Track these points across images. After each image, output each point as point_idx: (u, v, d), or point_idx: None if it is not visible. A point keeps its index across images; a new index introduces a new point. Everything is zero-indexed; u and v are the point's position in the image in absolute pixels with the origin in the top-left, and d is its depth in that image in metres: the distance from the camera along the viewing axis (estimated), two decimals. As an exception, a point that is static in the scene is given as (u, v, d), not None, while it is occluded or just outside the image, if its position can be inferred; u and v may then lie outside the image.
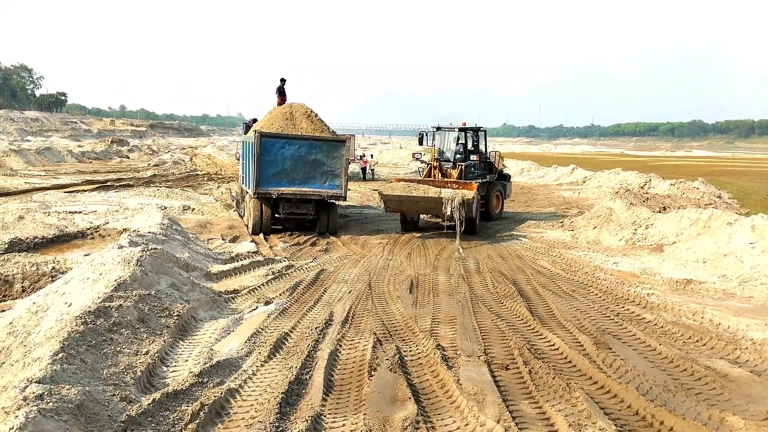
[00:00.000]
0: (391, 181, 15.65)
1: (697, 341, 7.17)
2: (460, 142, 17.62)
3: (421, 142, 18.16)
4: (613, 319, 8.03)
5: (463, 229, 14.08)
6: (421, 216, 16.38)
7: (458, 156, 17.26)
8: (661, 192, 23.80)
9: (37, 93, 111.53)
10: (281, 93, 17.85)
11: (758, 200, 22.86)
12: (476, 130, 18.02)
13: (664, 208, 16.83)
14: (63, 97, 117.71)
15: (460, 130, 17.70)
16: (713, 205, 18.65)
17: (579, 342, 7.00)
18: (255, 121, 18.22)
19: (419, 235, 15.20)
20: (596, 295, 9.39)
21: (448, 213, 14.00)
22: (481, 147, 18.14)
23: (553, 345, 6.93)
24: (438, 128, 18.15)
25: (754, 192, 26.29)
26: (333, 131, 16.20)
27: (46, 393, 4.17)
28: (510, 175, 20.10)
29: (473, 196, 14.27)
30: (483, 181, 16.79)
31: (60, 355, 4.84)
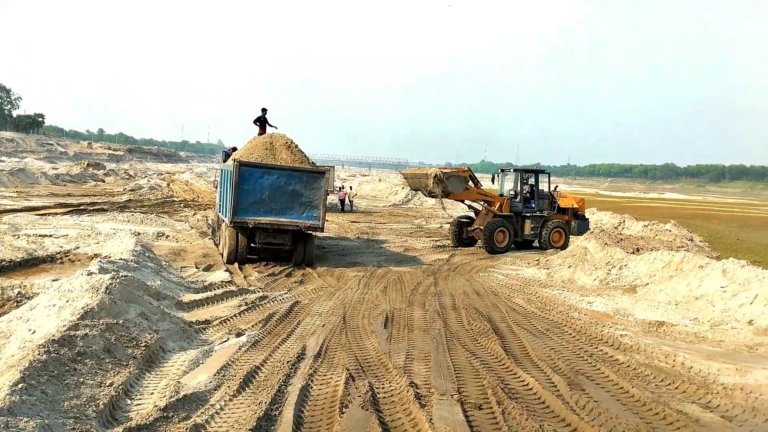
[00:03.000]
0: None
1: (669, 384, 7.19)
2: (523, 181, 21.08)
3: (493, 181, 22.33)
4: (586, 360, 8.02)
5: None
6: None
7: (510, 193, 21.10)
8: (634, 233, 24.11)
9: (14, 114, 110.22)
10: (262, 123, 17.87)
11: (728, 244, 23.33)
12: (536, 172, 21.56)
13: (638, 250, 17.04)
14: (40, 119, 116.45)
15: (515, 170, 21.81)
16: (685, 248, 18.93)
17: (552, 382, 6.97)
18: (235, 149, 18.18)
19: (396, 269, 15.16)
20: (570, 334, 9.40)
21: (431, 184, 18.46)
22: (542, 187, 21.36)
23: (527, 385, 6.89)
24: (502, 170, 22.54)
25: (724, 236, 26.85)
26: (313, 162, 16.23)
27: (2, 426, 4.00)
28: (583, 215, 22.32)
29: (447, 172, 18.88)
30: (533, 215, 20.62)
31: (20, 386, 4.66)
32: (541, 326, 9.82)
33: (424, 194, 20.24)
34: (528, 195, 20.96)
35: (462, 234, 20.44)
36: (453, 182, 18.82)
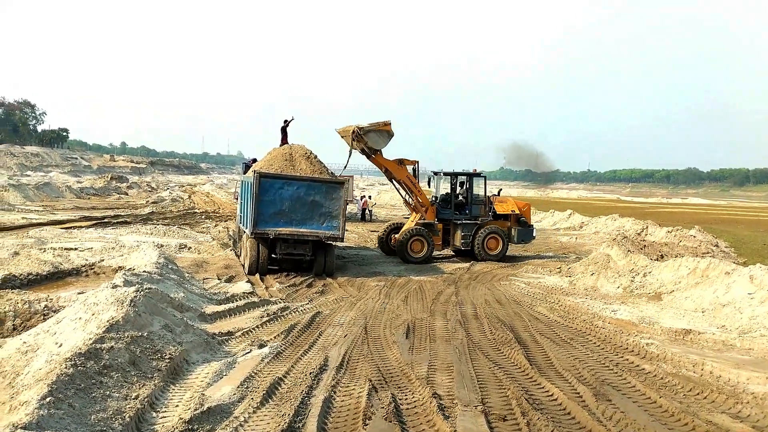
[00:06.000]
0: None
1: (698, 394, 7.05)
2: (454, 186, 19.69)
3: (429, 184, 20.43)
4: (612, 369, 7.91)
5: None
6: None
7: (435, 198, 19.84)
8: (658, 239, 23.81)
9: (39, 128, 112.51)
10: (284, 133, 18.06)
11: (755, 249, 22.86)
12: (470, 176, 19.66)
13: (662, 256, 16.82)
14: (64, 133, 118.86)
15: (446, 174, 20.01)
16: (710, 254, 18.65)
17: (578, 393, 6.88)
18: (255, 160, 18.35)
19: (416, 278, 15.12)
20: (595, 343, 9.28)
21: (350, 141, 17.58)
22: (479, 191, 19.61)
23: (552, 395, 6.80)
24: (435, 173, 20.66)
25: (750, 241, 26.32)
26: (332, 172, 16.32)
27: (31, 439, 4.05)
28: (526, 221, 20.14)
29: (365, 127, 17.46)
30: (464, 222, 19.01)
31: (48, 399, 4.72)
32: (565, 335, 9.71)
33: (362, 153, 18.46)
34: (464, 201, 19.45)
35: (390, 241, 19.16)
36: (372, 137, 17.60)
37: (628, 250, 16.34)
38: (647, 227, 26.98)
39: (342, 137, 18.49)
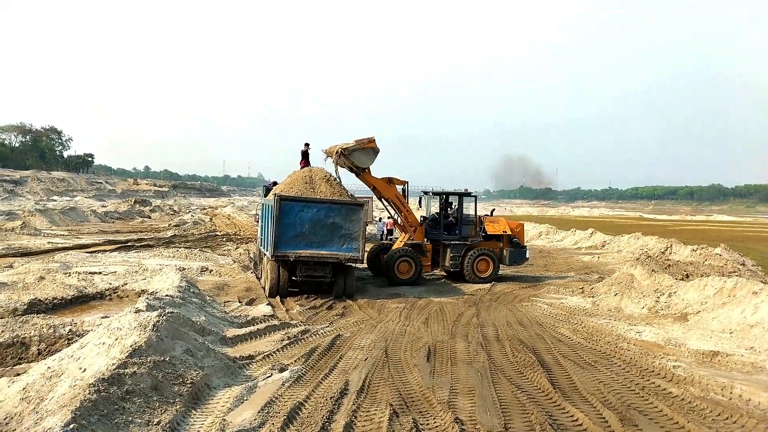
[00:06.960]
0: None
1: (727, 419, 6.87)
2: (443, 206, 19.29)
3: (420, 204, 20.42)
4: (638, 393, 7.75)
5: None
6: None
7: (425, 218, 19.54)
8: (682, 258, 23.45)
9: (65, 154, 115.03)
10: (305, 156, 18.22)
11: (784, 267, 22.37)
12: (461, 195, 19.39)
13: (687, 276, 16.53)
14: (90, 158, 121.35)
15: (435, 194, 19.76)
16: (737, 273, 18.30)
17: (603, 417, 6.75)
18: (275, 183, 18.50)
19: (437, 299, 15.04)
20: (620, 366, 9.12)
21: (334, 160, 17.40)
22: (470, 211, 19.40)
23: (576, 420, 6.69)
24: (425, 192, 20.41)
25: (778, 259, 25.77)
26: (351, 194, 16.40)
27: (54, 466, 4.08)
28: (519, 242, 19.60)
29: (349, 147, 17.17)
30: (453, 243, 18.59)
31: (71, 426, 4.77)
32: (589, 357, 9.56)
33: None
34: (453, 221, 19.02)
35: (379, 262, 18.82)
36: (358, 156, 17.29)
37: (652, 270, 16.10)
38: (671, 246, 26.59)
39: (329, 157, 18.18)
